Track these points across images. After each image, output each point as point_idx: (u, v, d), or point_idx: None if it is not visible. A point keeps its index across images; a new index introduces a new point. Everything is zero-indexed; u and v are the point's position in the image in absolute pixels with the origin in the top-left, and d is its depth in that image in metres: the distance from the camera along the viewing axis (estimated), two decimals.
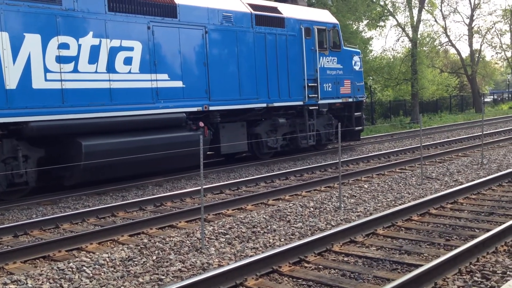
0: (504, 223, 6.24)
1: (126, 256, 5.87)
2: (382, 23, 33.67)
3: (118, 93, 10.69)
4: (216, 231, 6.82)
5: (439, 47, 41.64)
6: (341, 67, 15.89)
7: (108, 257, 5.84)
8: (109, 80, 10.57)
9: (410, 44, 32.54)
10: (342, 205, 8.18)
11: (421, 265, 4.92)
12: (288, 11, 14.62)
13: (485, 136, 17.08)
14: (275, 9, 14.28)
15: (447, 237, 6.18)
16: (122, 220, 8.15)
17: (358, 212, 7.80)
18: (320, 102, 15.16)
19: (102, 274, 5.37)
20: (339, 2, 25.72)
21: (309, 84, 14.77)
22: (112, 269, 5.51)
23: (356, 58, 16.62)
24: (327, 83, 15.40)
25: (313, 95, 14.95)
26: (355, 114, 16.62)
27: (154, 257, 5.84)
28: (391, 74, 32.58)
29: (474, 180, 9.62)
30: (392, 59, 34.98)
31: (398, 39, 46.57)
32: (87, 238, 6.78)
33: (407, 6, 32.07)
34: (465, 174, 10.76)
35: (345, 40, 25.90)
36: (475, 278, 4.76)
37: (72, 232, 7.47)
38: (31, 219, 8.32)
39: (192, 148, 11.16)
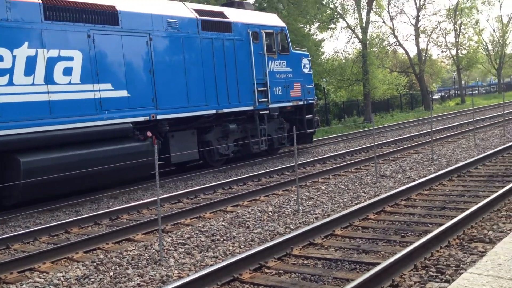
0: (455, 216, 6.45)
1: (82, 274, 5.69)
2: (332, 26, 34.36)
3: (58, 105, 10.20)
4: (174, 242, 6.72)
5: (388, 47, 42.91)
6: (291, 70, 15.83)
7: (63, 276, 5.64)
8: (48, 92, 10.07)
9: (360, 46, 33.33)
10: (301, 208, 8.24)
11: (378, 263, 5.01)
12: (235, 15, 14.45)
13: (434, 132, 17.69)
14: (221, 14, 14.11)
15: (402, 234, 6.34)
16: (77, 237, 7.90)
17: (316, 214, 7.88)
18: (271, 106, 15.04)
19: None
20: (290, 6, 26.04)
21: (259, 89, 14.64)
22: None
23: (305, 61, 16.59)
24: (277, 86, 15.31)
25: (263, 100, 14.81)
26: (307, 116, 16.57)
27: (111, 273, 5.68)
28: (343, 75, 33.28)
29: (425, 176, 9.91)
30: (343, 61, 35.74)
31: (349, 41, 47.69)
32: (40, 258, 6.52)
33: (356, 8, 32.88)
34: (417, 171, 11.08)
35: (297, 43, 26.28)
36: (430, 273, 4.89)
37: (24, 252, 7.17)
38: None
39: (141, 159, 10.90)
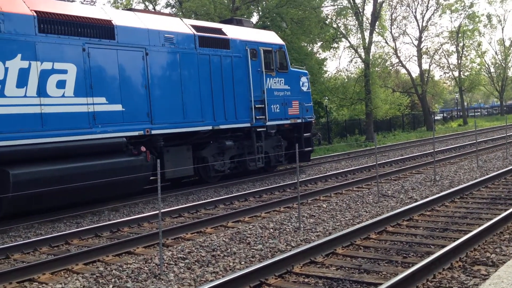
0: (458, 238, 6.42)
1: (81, 286, 5.66)
2: (335, 45, 34.60)
3: (51, 118, 10.08)
4: (175, 256, 6.69)
5: (391, 67, 43.14)
6: (289, 88, 15.73)
7: (62, 287, 5.60)
8: (40, 105, 9.95)
9: (363, 65, 33.52)
10: (302, 226, 8.21)
11: (380, 284, 4.97)
12: (233, 32, 14.43)
13: (436, 153, 17.68)
14: (219, 31, 14.08)
15: (404, 255, 6.30)
16: (77, 248, 7.87)
17: (317, 232, 7.84)
18: (268, 123, 14.92)
19: None
20: (293, 25, 26.24)
21: (256, 106, 14.53)
22: None
23: (303, 79, 16.50)
24: (275, 104, 15.20)
25: (261, 117, 14.69)
26: (305, 135, 16.37)
27: (111, 286, 5.65)
28: (346, 94, 33.39)
29: (428, 197, 9.89)
30: (346, 80, 35.89)
31: (351, 60, 47.48)
32: (40, 269, 6.49)
33: (358, 28, 33.11)
34: (419, 191, 11.05)
35: (300, 61, 26.47)
36: None
37: (24, 262, 7.15)
38: None
39: (134, 174, 10.80)
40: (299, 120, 16.13)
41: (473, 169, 13.98)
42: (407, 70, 46.17)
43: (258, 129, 14.71)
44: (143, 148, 11.63)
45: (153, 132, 11.88)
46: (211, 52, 13.46)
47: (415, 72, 57.67)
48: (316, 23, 27.48)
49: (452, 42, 47.17)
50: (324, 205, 9.92)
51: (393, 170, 15.00)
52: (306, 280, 5.62)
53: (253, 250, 6.91)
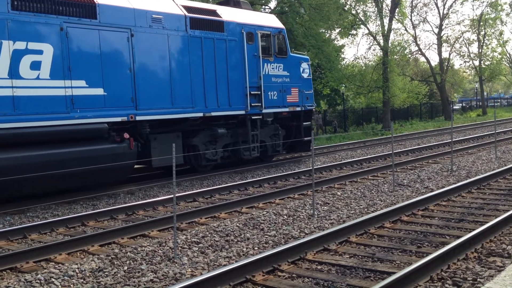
0: (474, 229, 6.36)
1: (97, 267, 5.74)
2: (354, 32, 34.19)
3: (24, 101, 9.44)
4: (189, 240, 6.74)
5: (410, 55, 42.50)
6: (288, 74, 14.90)
7: (78, 268, 5.70)
8: (12, 87, 9.30)
9: (381, 53, 33.10)
10: (316, 213, 8.20)
11: (393, 273, 4.95)
12: (228, 14, 13.57)
13: (454, 143, 17.45)
14: (213, 12, 13.27)
15: (419, 244, 6.26)
16: (93, 230, 7.98)
17: (331, 219, 7.83)
18: (265, 111, 14.14)
19: (72, 286, 5.23)
20: (312, 11, 25.95)
21: (252, 92, 13.76)
22: (82, 280, 5.38)
23: (304, 65, 15.63)
24: (272, 91, 14.41)
25: (257, 104, 13.90)
26: (304, 124, 15.58)
27: (125, 268, 5.72)
28: (363, 82, 33.05)
29: (444, 187, 9.79)
30: (364, 67, 35.51)
31: (370, 48, 47.42)
32: (56, 249, 6.60)
33: (378, 15, 32.63)
34: (436, 181, 10.94)
35: (317, 48, 26.25)
36: (447, 285, 4.82)
37: (41, 242, 7.27)
38: None
39: (117, 162, 10.35)
40: (298, 108, 15.31)
41: (491, 160, 13.78)
42: (426, 58, 45.57)
43: (253, 117, 13.97)
44: (126, 135, 10.98)
45: (138, 118, 11.20)
46: (204, 35, 12.67)
47: (434, 60, 57.00)
48: (335, 9, 27.13)
49: (473, 30, 46.25)
50: (339, 193, 9.88)
51: (409, 159, 14.86)
52: (319, 267, 5.62)
53: (266, 236, 6.93)
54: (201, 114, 12.65)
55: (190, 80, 12.34)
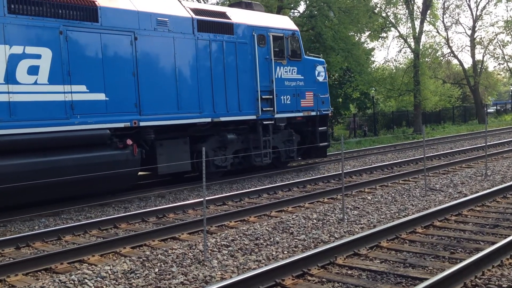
0: (509, 235, 6.18)
1: (128, 269, 5.84)
2: (384, 34, 33.83)
3: (21, 107, 9.18)
4: (218, 243, 6.78)
5: (442, 58, 41.76)
6: (302, 77, 14.41)
7: (110, 269, 5.80)
8: (8, 92, 9.06)
9: (412, 55, 32.62)
10: (345, 217, 8.14)
11: (426, 279, 4.87)
12: (238, 16, 13.18)
13: (488, 147, 17.03)
14: (222, 14, 12.90)
15: (452, 250, 6.13)
16: (125, 232, 8.11)
17: (361, 224, 7.75)
18: (277, 116, 13.70)
19: (104, 287, 5.33)
20: (341, 14, 25.81)
21: (263, 97, 13.34)
22: (114, 281, 5.47)
23: (319, 68, 15.10)
24: (285, 95, 13.94)
25: (268, 109, 13.48)
26: (320, 129, 15.03)
27: (156, 270, 5.80)
28: (394, 85, 32.63)
29: (478, 192, 9.56)
30: (394, 70, 35.06)
31: (400, 50, 46.60)
32: (89, 250, 6.74)
33: (409, 17, 32.19)
34: (469, 186, 10.70)
35: (347, 51, 26.06)
36: None
37: (74, 244, 7.44)
38: (33, 230, 8.30)
39: (120, 169, 10.12)
40: (313, 113, 14.77)
41: None
42: (459, 60, 44.66)
43: (265, 122, 13.48)
44: (129, 141, 10.68)
45: (142, 124, 10.88)
46: (212, 38, 12.32)
47: (467, 62, 55.75)
48: (365, 12, 26.92)
49: (508, 32, 45.04)
50: (369, 197, 9.77)
51: (441, 163, 14.57)
52: (349, 272, 5.57)
53: (295, 240, 6.90)
54: (209, 119, 12.29)
55: (197, 84, 12.02)
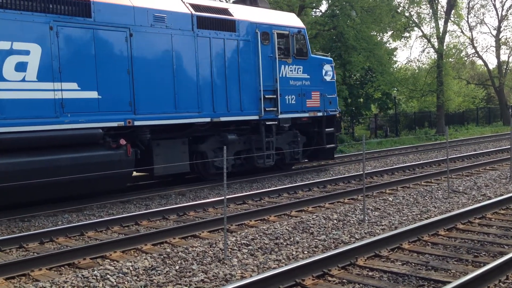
0: None
1: (150, 265, 5.89)
2: (407, 34, 33.43)
3: (7, 105, 8.87)
4: (238, 242, 6.80)
5: (466, 58, 41.10)
6: (308, 77, 13.89)
7: (132, 265, 5.87)
8: None
9: (436, 55, 32.17)
10: (366, 218, 8.07)
11: (448, 282, 4.80)
12: (241, 13, 12.74)
13: None
14: (224, 11, 12.52)
15: (475, 253, 6.03)
16: (146, 229, 8.19)
17: (382, 225, 7.68)
18: (281, 116, 13.21)
19: (126, 283, 5.39)
20: (363, 13, 25.60)
21: (267, 96, 12.87)
22: (136, 278, 5.53)
23: (327, 67, 14.53)
24: (290, 95, 13.43)
25: (272, 109, 13.01)
26: (327, 130, 14.46)
27: (177, 267, 5.84)
28: (416, 85, 32.24)
29: (503, 195, 9.38)
30: (417, 70, 34.63)
31: (423, 50, 45.96)
32: (111, 246, 6.83)
33: (432, 17, 31.76)
34: (494, 188, 10.51)
35: (369, 51, 25.83)
36: None
37: (97, 240, 7.55)
38: (57, 226, 8.43)
39: (113, 169, 9.85)
40: (319, 113, 14.23)
41: None
42: (483, 61, 44.16)
43: (268, 123, 13.02)
44: (122, 141, 10.34)
45: (136, 123, 10.53)
46: (213, 35, 11.89)
47: (492, 63, 54.74)
48: (387, 12, 26.64)
49: None
50: (390, 199, 9.68)
51: (465, 165, 14.35)
52: (370, 273, 5.52)
53: (316, 240, 6.88)
54: (208, 119, 11.86)
55: (196, 83, 11.63)
